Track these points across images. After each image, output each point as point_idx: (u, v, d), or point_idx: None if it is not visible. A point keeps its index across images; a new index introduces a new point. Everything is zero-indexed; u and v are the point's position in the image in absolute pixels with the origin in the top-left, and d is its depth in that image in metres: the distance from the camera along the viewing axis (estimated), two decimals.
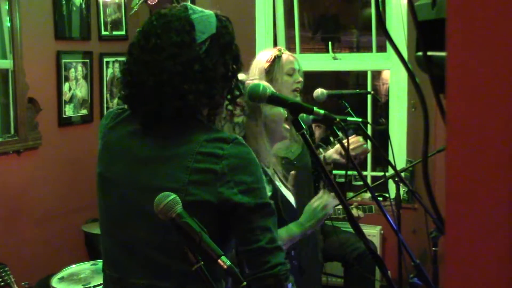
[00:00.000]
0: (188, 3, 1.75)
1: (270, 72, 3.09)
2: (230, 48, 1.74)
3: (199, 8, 1.75)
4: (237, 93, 1.80)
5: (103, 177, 1.79)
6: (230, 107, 1.80)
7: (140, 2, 2.95)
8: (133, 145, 1.73)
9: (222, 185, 1.62)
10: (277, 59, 3.12)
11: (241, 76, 2.02)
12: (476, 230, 0.55)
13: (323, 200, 2.31)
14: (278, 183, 2.42)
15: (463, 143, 0.54)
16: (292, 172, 2.52)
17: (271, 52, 3.17)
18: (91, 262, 3.85)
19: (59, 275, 3.65)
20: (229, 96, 1.79)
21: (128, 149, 1.74)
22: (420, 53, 0.94)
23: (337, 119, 1.97)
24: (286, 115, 2.37)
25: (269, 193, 2.26)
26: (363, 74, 5.53)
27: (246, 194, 1.64)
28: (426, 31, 0.95)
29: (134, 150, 1.73)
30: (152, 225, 1.66)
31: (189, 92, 1.63)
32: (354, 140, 3.20)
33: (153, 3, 4.29)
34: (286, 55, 3.15)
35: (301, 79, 3.13)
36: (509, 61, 0.53)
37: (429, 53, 0.92)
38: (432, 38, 0.93)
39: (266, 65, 3.11)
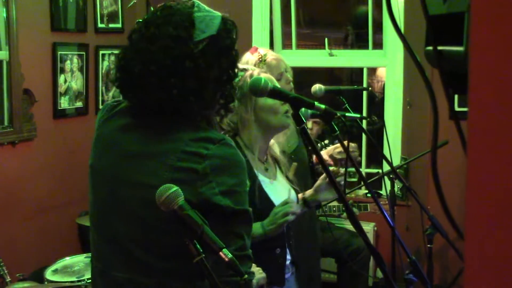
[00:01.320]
0: (196, 1, 1.74)
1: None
2: (228, 52, 1.72)
3: (207, 8, 1.72)
4: (230, 98, 1.78)
5: (93, 169, 1.80)
6: (222, 111, 1.78)
7: None
8: (122, 139, 1.73)
9: (203, 185, 1.61)
10: (261, 61, 3.00)
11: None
12: (496, 230, 0.55)
13: (286, 207, 2.31)
14: (263, 177, 2.41)
15: (485, 140, 0.54)
16: (294, 163, 2.52)
17: (254, 60, 3.03)
18: (85, 255, 3.84)
19: (53, 267, 3.64)
20: (222, 101, 1.76)
21: (117, 143, 1.74)
22: (430, 48, 0.94)
23: (338, 114, 1.98)
24: (282, 105, 2.37)
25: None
26: (358, 71, 5.54)
27: (227, 196, 1.62)
28: (435, 26, 0.95)
29: (122, 144, 1.72)
30: (133, 221, 1.67)
31: (174, 86, 1.62)
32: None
33: None
34: (269, 60, 3.03)
35: (290, 78, 3.09)
36: None
37: (438, 48, 0.92)
38: (441, 33, 0.93)
39: (255, 72, 3.01)
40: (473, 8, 0.53)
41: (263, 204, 2.32)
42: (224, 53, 1.70)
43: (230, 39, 1.72)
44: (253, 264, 2.14)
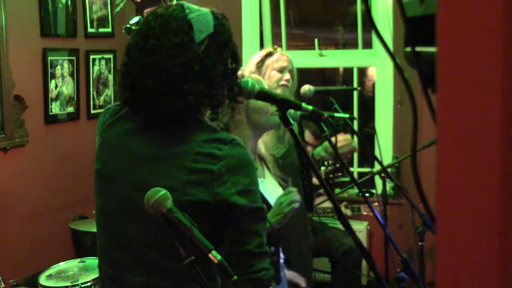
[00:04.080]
0: (183, 1, 1.74)
1: (260, 66, 3.15)
2: (228, 46, 1.73)
3: (195, 6, 1.73)
4: (238, 90, 1.80)
5: (101, 174, 1.79)
6: (231, 105, 1.80)
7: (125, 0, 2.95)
8: (132, 143, 1.73)
9: (219, 186, 1.63)
10: (269, 55, 3.18)
11: None
12: (467, 224, 0.56)
13: (290, 196, 2.34)
14: (260, 177, 2.44)
15: (454, 137, 0.55)
16: (289, 178, 2.56)
17: (267, 49, 3.24)
18: (78, 260, 3.84)
19: (47, 272, 3.64)
20: (229, 94, 1.78)
21: (126, 147, 1.74)
22: (408, 49, 0.96)
23: (325, 115, 1.99)
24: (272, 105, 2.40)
25: None
26: (350, 70, 5.55)
27: (243, 195, 1.64)
28: (414, 27, 0.96)
29: (132, 148, 1.72)
30: (147, 223, 1.66)
31: (189, 92, 1.63)
32: (342, 138, 3.23)
33: (138, 0, 4.28)
34: (279, 54, 3.19)
35: (288, 76, 3.14)
36: (497, 53, 0.54)
37: (417, 49, 0.94)
38: (420, 34, 0.94)
39: (258, 59, 3.18)
40: (439, 9, 0.55)
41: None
42: (224, 47, 1.71)
43: (226, 33, 1.73)
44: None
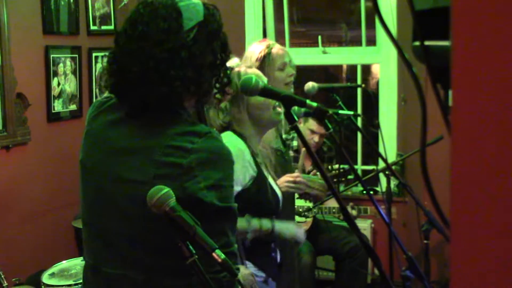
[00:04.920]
0: None
1: (261, 70, 3.09)
2: (217, 35, 1.73)
3: None
4: (226, 81, 1.79)
5: (83, 165, 1.81)
6: (218, 95, 1.79)
7: None
8: (110, 135, 1.73)
9: (188, 180, 1.59)
10: (267, 56, 3.11)
11: (230, 62, 2.03)
12: (481, 227, 0.54)
13: (300, 232, 2.44)
14: (266, 173, 2.43)
15: (468, 134, 0.53)
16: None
17: (261, 48, 3.15)
18: (81, 258, 3.83)
19: (50, 271, 3.63)
20: (217, 85, 1.76)
21: (105, 139, 1.74)
22: (417, 43, 0.93)
23: (330, 112, 1.97)
24: (274, 104, 2.40)
25: (253, 174, 2.31)
26: (353, 68, 5.53)
27: (212, 191, 1.61)
28: (423, 21, 0.94)
29: (110, 140, 1.73)
30: (121, 217, 1.67)
31: (175, 78, 1.62)
32: (318, 185, 3.04)
33: None
34: (276, 50, 3.13)
35: (293, 71, 3.12)
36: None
37: (426, 43, 0.91)
38: (429, 28, 0.92)
39: (257, 64, 3.08)
40: (453, 2, 0.53)
41: (274, 198, 2.38)
42: (214, 37, 1.71)
43: (216, 23, 1.73)
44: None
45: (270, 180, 2.45)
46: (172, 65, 1.62)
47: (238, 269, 1.72)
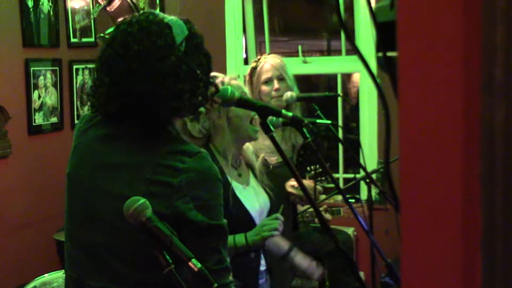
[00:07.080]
0: (152, 10, 1.77)
1: (250, 84, 3.22)
2: (202, 47, 1.77)
3: (163, 14, 1.77)
4: (213, 89, 1.82)
5: (70, 178, 1.81)
6: (207, 105, 1.82)
7: (99, 9, 2.95)
8: (100, 150, 1.74)
9: (178, 199, 1.63)
10: (253, 71, 3.21)
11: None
12: (429, 219, 0.56)
13: (274, 222, 2.38)
14: (236, 183, 2.43)
15: (415, 138, 0.55)
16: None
17: (253, 62, 3.29)
18: (63, 271, 3.81)
19: (32, 284, 3.60)
20: (200, 98, 1.78)
21: (94, 153, 1.75)
22: (380, 54, 0.96)
23: (306, 121, 1.99)
24: (253, 114, 2.42)
25: None
26: (335, 77, 5.57)
27: (202, 211, 1.64)
28: (386, 32, 0.97)
29: (100, 155, 1.74)
30: (109, 231, 1.68)
31: (183, 91, 1.65)
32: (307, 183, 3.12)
33: (111, 10, 4.26)
34: (262, 64, 3.21)
35: (277, 85, 3.15)
36: (453, 59, 0.54)
37: (389, 54, 0.94)
38: (392, 39, 0.95)
39: (247, 77, 3.25)
40: (399, 16, 0.55)
41: (237, 210, 2.35)
42: (199, 49, 1.75)
43: (198, 34, 1.76)
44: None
45: (247, 191, 2.45)
46: (177, 79, 1.64)
47: (232, 282, 1.74)
